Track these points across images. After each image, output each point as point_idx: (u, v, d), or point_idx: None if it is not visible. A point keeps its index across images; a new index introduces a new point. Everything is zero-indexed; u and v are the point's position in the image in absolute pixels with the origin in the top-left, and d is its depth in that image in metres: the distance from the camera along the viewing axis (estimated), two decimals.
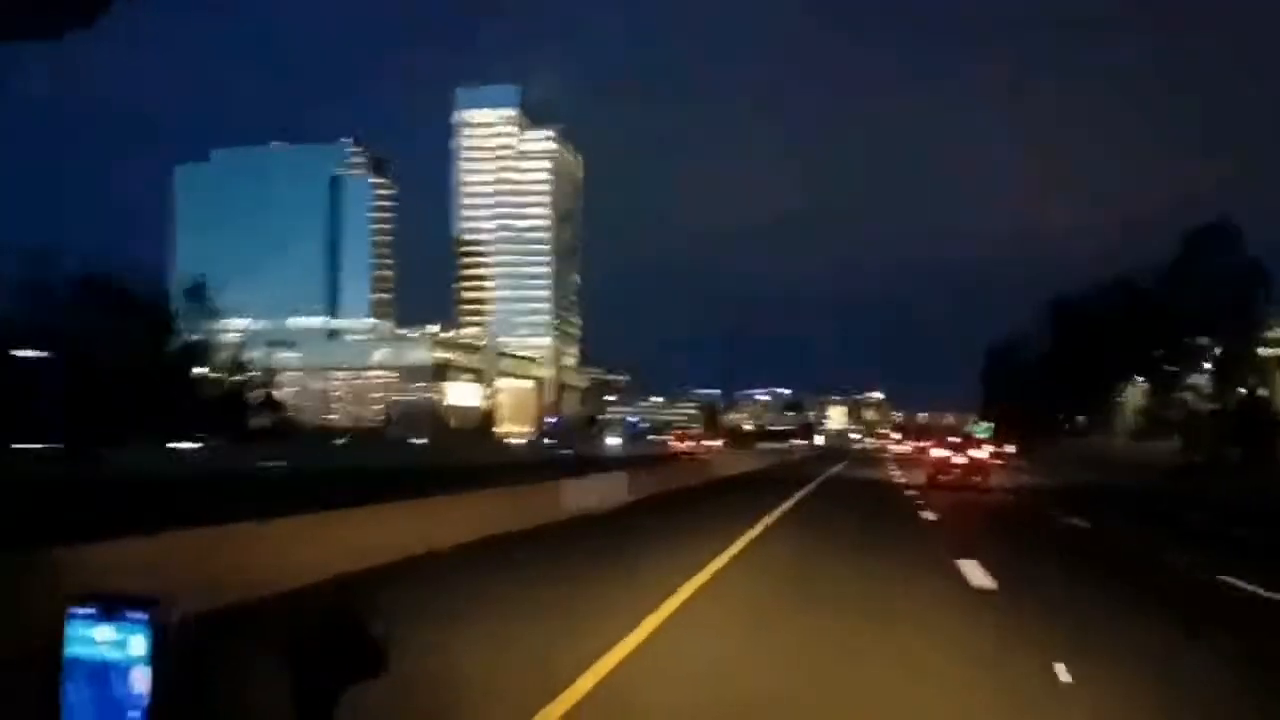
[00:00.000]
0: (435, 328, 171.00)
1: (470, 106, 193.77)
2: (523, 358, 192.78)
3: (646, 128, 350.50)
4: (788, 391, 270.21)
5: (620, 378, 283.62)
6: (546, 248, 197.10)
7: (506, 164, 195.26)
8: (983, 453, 38.97)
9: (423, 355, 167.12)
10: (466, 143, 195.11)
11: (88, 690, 1.48)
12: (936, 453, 38.96)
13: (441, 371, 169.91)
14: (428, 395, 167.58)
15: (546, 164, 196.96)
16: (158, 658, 1.45)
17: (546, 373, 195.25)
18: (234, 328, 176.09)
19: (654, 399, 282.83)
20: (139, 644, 1.46)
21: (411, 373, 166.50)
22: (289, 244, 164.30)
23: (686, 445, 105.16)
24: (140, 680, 1.45)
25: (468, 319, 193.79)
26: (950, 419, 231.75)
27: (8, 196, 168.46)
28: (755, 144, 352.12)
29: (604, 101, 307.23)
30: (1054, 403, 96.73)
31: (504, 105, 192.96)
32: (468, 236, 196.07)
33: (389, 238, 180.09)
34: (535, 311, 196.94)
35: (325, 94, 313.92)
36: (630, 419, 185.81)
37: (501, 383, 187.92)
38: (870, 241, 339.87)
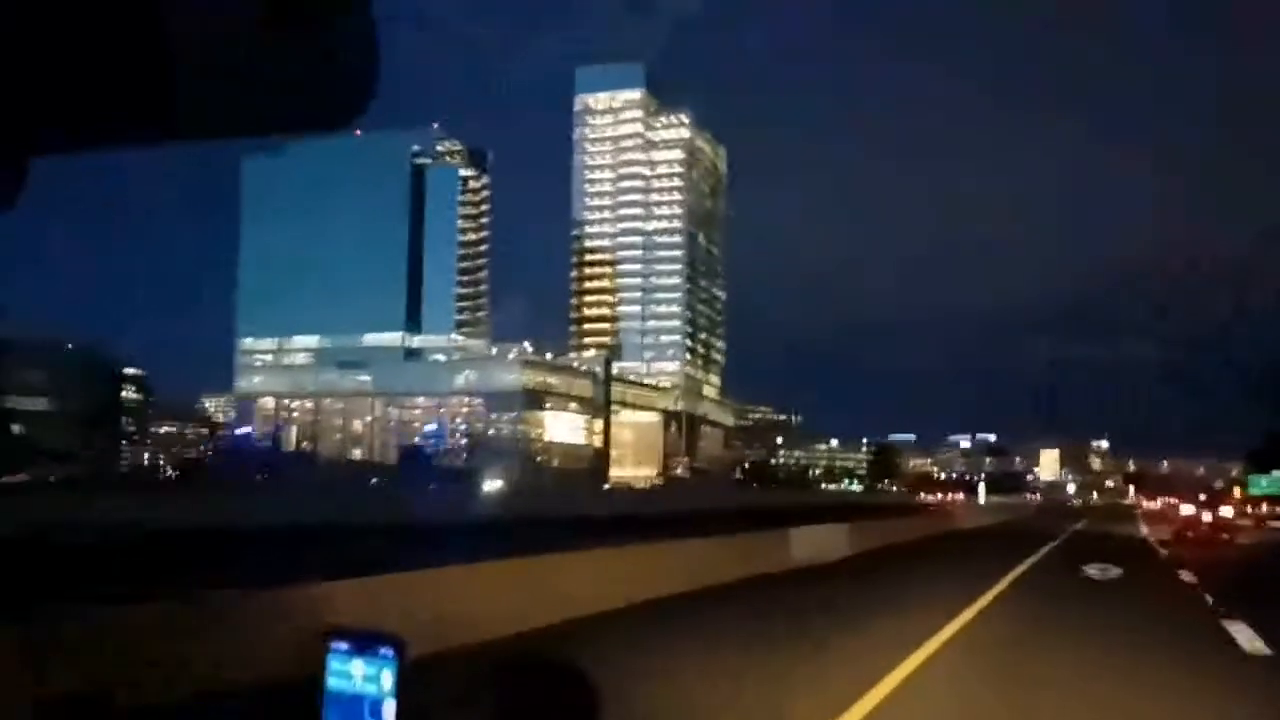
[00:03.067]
0: (527, 345, 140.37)
1: (592, 89, 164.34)
2: (648, 386, 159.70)
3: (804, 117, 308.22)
4: (993, 437, 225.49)
5: (793, 417, 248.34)
6: (679, 254, 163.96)
7: (631, 156, 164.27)
8: (1228, 511, 42.45)
9: (512, 379, 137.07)
10: (586, 132, 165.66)
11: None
12: (1185, 509, 42.46)
13: (537, 399, 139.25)
14: (517, 427, 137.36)
15: (678, 154, 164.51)
16: (403, 692, 1.63)
17: (677, 405, 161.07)
18: (297, 346, 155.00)
19: (833, 442, 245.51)
20: (388, 678, 1.62)
21: (499, 400, 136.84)
22: (362, 247, 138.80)
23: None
24: (389, 712, 1.61)
25: (587, 339, 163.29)
26: (1201, 470, 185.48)
27: None
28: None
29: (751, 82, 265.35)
30: None
31: (627, 86, 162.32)
32: (588, 243, 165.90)
33: (483, 243, 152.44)
34: (664, 331, 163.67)
35: (410, 75, 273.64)
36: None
37: (627, 416, 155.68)
38: (1086, 265, 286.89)
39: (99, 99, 0.82)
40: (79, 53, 0.78)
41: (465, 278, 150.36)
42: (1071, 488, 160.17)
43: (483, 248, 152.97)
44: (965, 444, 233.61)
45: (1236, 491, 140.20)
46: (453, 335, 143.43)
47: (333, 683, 1.69)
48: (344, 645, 1.69)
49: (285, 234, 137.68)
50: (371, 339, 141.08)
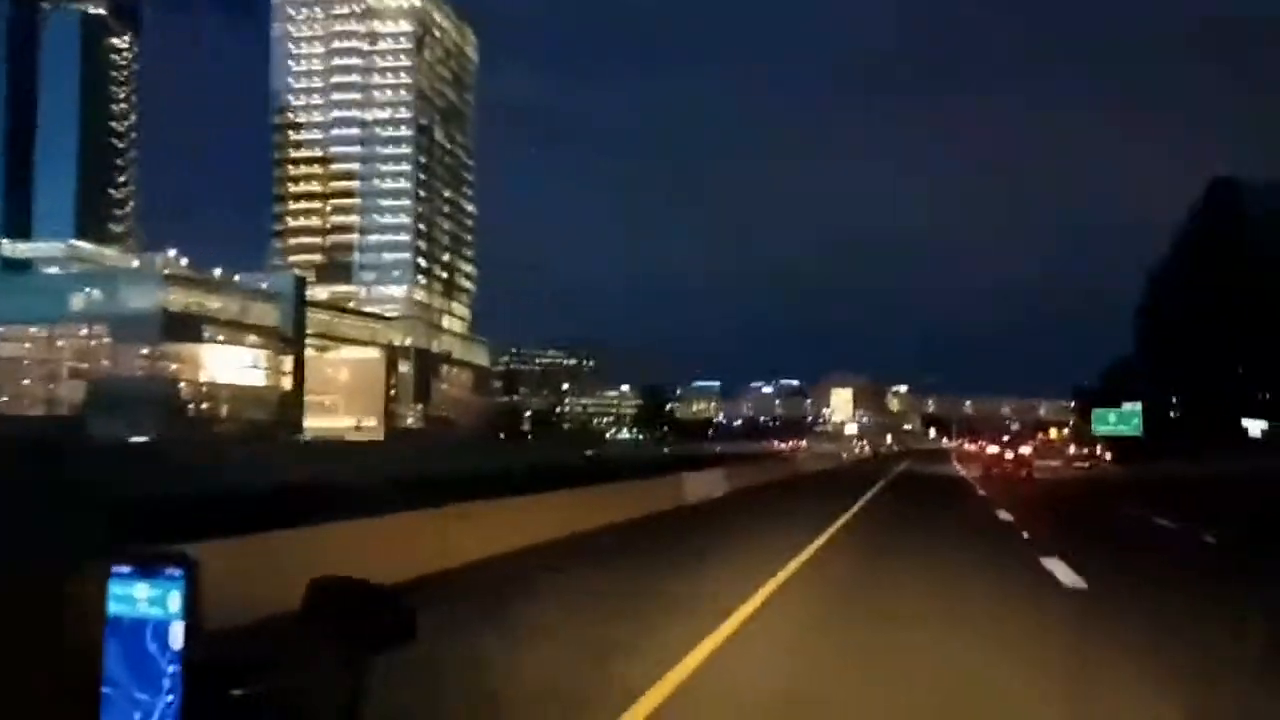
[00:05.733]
0: (175, 255, 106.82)
1: None
2: (367, 314, 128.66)
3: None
4: (795, 382, 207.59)
5: (585, 363, 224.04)
6: (407, 151, 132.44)
7: (348, 26, 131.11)
8: (1026, 449, 47.54)
9: (151, 300, 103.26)
10: None
11: (128, 647, 1.48)
12: (991, 450, 49.67)
13: (191, 327, 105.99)
14: (163, 364, 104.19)
15: (407, 26, 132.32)
16: (191, 613, 1.46)
17: (406, 340, 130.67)
18: None
19: (624, 389, 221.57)
20: (175, 600, 1.46)
21: (136, 327, 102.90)
22: None
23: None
24: (177, 636, 1.46)
25: (294, 256, 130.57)
26: (1006, 409, 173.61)
27: None
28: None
29: None
30: None
31: None
32: (292, 135, 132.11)
33: (132, 128, 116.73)
34: (388, 248, 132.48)
35: None
36: None
37: (346, 352, 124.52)
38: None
39: None
40: None
41: (107, 172, 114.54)
42: (853, 428, 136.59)
43: (132, 134, 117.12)
44: (767, 389, 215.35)
45: (1053, 433, 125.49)
46: (72, 242, 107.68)
47: (113, 608, 1.50)
48: (126, 568, 1.50)
49: None
50: None
